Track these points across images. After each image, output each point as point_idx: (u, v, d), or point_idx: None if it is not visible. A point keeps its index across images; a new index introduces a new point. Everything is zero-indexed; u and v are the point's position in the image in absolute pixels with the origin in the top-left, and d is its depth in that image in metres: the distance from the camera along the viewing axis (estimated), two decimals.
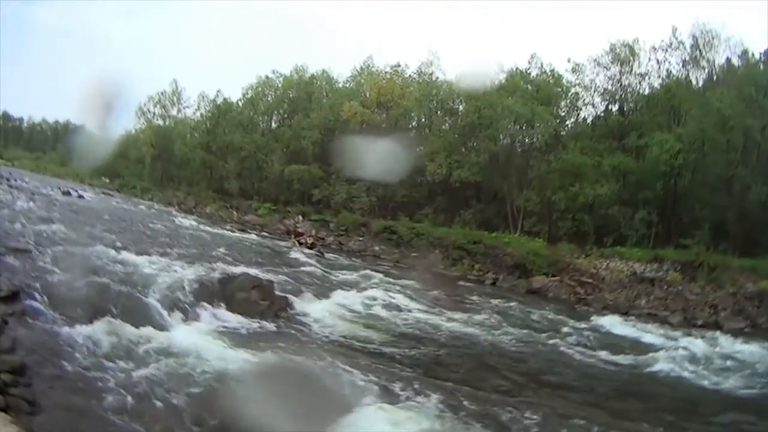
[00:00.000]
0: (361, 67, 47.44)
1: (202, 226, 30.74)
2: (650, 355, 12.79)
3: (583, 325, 16.18)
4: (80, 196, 35.82)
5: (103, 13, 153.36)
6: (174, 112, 62.86)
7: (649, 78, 31.76)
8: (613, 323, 16.94)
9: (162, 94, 62.09)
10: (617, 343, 13.97)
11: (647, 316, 19.96)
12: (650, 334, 15.64)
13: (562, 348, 12.84)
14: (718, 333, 16.58)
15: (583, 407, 8.65)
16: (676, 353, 12.97)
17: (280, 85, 52.26)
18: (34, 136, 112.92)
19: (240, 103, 55.09)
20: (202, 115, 58.59)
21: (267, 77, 52.97)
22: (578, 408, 8.57)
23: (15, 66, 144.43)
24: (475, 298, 19.49)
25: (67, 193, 35.59)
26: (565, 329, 15.07)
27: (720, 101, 24.44)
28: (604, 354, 12.57)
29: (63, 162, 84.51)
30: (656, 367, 11.86)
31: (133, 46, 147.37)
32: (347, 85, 48.66)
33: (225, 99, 56.07)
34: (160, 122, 63.07)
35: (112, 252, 13.02)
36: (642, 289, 22.54)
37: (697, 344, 14.24)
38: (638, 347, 13.69)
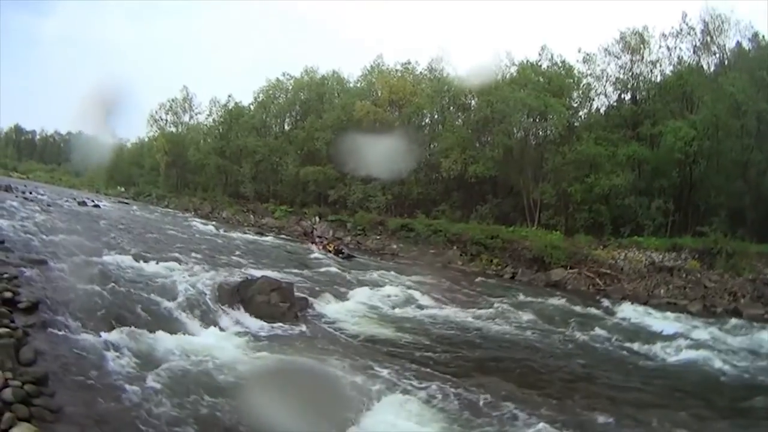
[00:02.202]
0: (372, 66, 47.89)
1: (219, 231, 31.11)
2: (671, 344, 12.74)
3: (603, 317, 16.30)
4: (96, 206, 36.35)
5: (109, 21, 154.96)
6: (186, 118, 63.95)
7: (661, 65, 31.79)
8: (633, 313, 16.99)
9: (173, 101, 63.20)
10: (638, 334, 13.93)
11: (667, 305, 19.95)
12: (670, 323, 15.60)
13: (583, 340, 12.85)
14: (738, 320, 16.56)
15: (605, 399, 8.63)
16: (697, 342, 13.00)
17: (290, 87, 52.94)
18: (47, 148, 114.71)
19: (251, 107, 55.75)
20: (214, 120, 59.52)
21: (277, 80, 53.69)
22: (601, 400, 8.53)
23: (25, 79, 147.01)
24: (494, 293, 19.48)
25: (83, 203, 36.03)
26: (585, 321, 15.00)
27: (732, 86, 24.44)
28: (625, 344, 12.61)
29: (77, 172, 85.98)
30: (677, 356, 11.88)
31: (142, 53, 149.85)
32: (358, 85, 49.19)
33: (236, 103, 56.86)
34: (173, 129, 64.02)
35: (130, 260, 13.15)
36: (661, 278, 22.65)
37: (718, 332, 14.39)
38: (659, 337, 13.61)
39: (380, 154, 29.89)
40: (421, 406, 7.57)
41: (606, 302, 19.61)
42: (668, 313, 17.27)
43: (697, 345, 12.65)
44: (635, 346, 12.50)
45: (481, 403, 7.79)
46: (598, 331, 13.76)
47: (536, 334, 13.12)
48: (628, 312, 17.16)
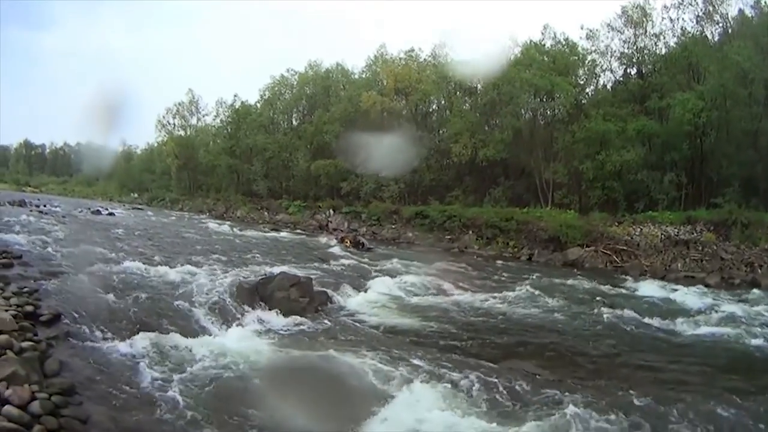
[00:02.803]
0: (375, 56, 48.05)
1: (234, 230, 31.14)
2: (695, 319, 12.67)
3: (624, 294, 16.13)
4: (111, 214, 36.44)
5: (110, 32, 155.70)
6: (194, 121, 64.64)
7: (665, 38, 31.75)
8: (653, 289, 16.81)
9: (180, 104, 63.83)
10: (661, 310, 13.67)
11: (685, 279, 20.00)
12: (692, 298, 15.37)
13: (608, 319, 12.53)
14: (756, 291, 16.56)
15: (638, 378, 8.47)
16: (720, 315, 12.89)
17: (296, 83, 53.18)
18: (57, 160, 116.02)
19: (258, 105, 56.24)
20: (222, 120, 60.12)
21: (282, 76, 54.11)
22: (634, 380, 8.35)
23: (31, 94, 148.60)
24: (513, 275, 19.36)
25: (97, 212, 36.02)
26: (607, 300, 14.75)
27: (738, 54, 24.43)
28: (650, 322, 12.36)
29: (90, 182, 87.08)
30: (703, 331, 11.69)
31: (144, 60, 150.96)
32: (363, 76, 49.26)
33: (243, 102, 57.35)
34: (181, 132, 64.58)
35: (148, 265, 13.17)
36: (677, 252, 22.70)
37: (739, 305, 14.25)
38: (682, 312, 13.43)
39: (389, 147, 30.30)
40: (451, 393, 7.38)
41: (624, 279, 19.57)
42: (687, 288, 17.09)
43: (721, 319, 12.57)
44: (660, 322, 12.30)
45: (515, 388, 7.59)
46: (620, 309, 13.44)
47: (560, 315, 12.89)
48: (648, 288, 17.01)
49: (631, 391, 7.49)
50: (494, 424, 6.54)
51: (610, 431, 6.41)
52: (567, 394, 7.36)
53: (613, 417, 6.65)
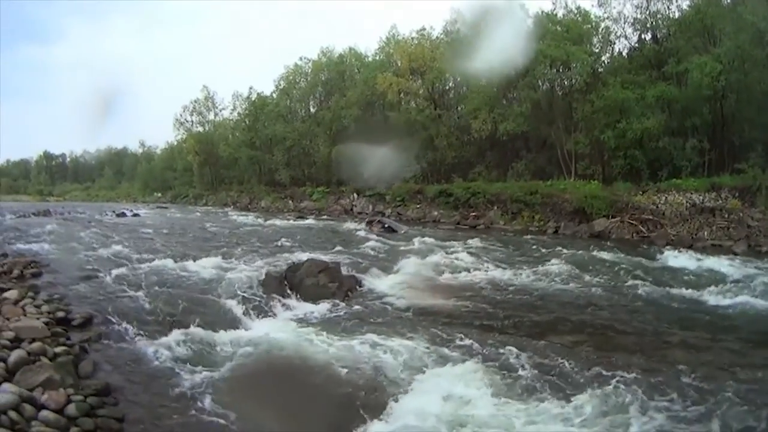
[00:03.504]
0: (387, 38, 48.11)
1: (259, 220, 31.74)
2: (724, 288, 12.53)
3: (652, 265, 16.04)
4: (135, 215, 36.96)
5: (119, 37, 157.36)
6: (211, 116, 65.58)
7: (677, 0, 31.22)
8: (681, 259, 16.76)
9: (196, 101, 64.72)
10: (691, 280, 13.71)
11: (712, 248, 19.95)
12: (720, 267, 15.26)
13: (638, 291, 12.54)
14: None
15: (683, 354, 8.29)
16: (750, 284, 12.77)
17: (310, 70, 53.59)
18: (78, 168, 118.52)
19: (274, 95, 56.78)
20: (239, 114, 60.94)
21: (296, 65, 54.58)
22: (680, 355, 8.20)
23: (47, 107, 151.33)
24: (540, 249, 19.42)
25: (122, 214, 36.42)
26: (635, 271, 14.73)
27: (752, 14, 24.13)
28: (680, 292, 12.37)
29: (112, 186, 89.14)
30: (734, 300, 11.62)
31: (156, 63, 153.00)
32: (377, 58, 49.41)
33: (259, 94, 57.79)
34: (200, 129, 65.58)
35: (176, 262, 13.22)
36: (703, 220, 22.65)
37: (766, 272, 14.19)
38: (712, 282, 13.27)
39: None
40: (492, 372, 7.37)
41: (652, 249, 19.52)
42: (716, 257, 16.99)
43: (755, 288, 12.39)
44: (695, 294, 12.27)
45: (559, 366, 7.57)
46: (653, 281, 13.51)
47: (594, 289, 12.78)
48: (678, 258, 16.94)
49: (680, 367, 7.41)
50: (542, 403, 6.53)
51: (667, 409, 6.30)
52: (613, 371, 7.25)
53: (665, 394, 6.61)
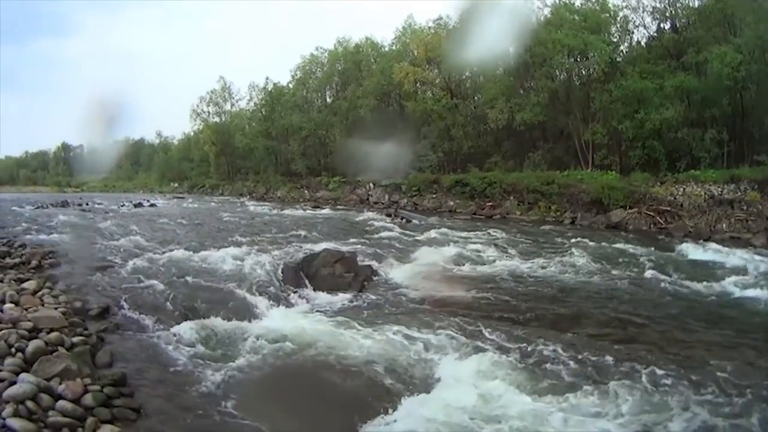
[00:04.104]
0: (404, 27, 48.32)
1: (276, 210, 32.08)
2: (746, 282, 12.50)
3: (671, 257, 16.06)
4: (152, 205, 37.29)
5: (132, 30, 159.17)
6: (227, 107, 66.53)
7: None
8: (699, 251, 16.74)
9: (212, 92, 65.57)
10: (711, 273, 13.55)
11: (730, 240, 19.88)
12: (736, 259, 15.25)
13: (659, 284, 12.47)
14: None
15: (697, 347, 8.25)
16: (765, 277, 12.75)
17: (326, 60, 53.86)
18: (96, 159, 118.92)
19: (291, 86, 57.15)
20: (255, 104, 61.62)
21: (312, 55, 54.87)
22: (693, 349, 8.18)
23: (65, 99, 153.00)
24: (557, 240, 19.54)
25: (139, 205, 36.69)
26: (654, 263, 14.69)
27: None
28: (701, 285, 12.26)
29: (129, 176, 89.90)
30: (750, 293, 11.59)
31: (171, 54, 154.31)
32: (393, 48, 49.50)
33: (275, 84, 58.27)
34: (216, 119, 66.40)
35: (193, 252, 13.31)
36: (722, 212, 22.52)
37: None
38: (732, 274, 13.24)
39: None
40: (520, 367, 7.32)
41: (670, 241, 19.64)
42: (732, 249, 16.88)
43: (764, 281, 12.35)
44: (717, 287, 12.18)
45: (583, 359, 7.51)
46: (673, 273, 13.47)
47: (614, 281, 12.79)
48: (696, 251, 16.93)
49: (712, 362, 7.36)
50: (576, 399, 6.47)
51: (709, 403, 6.27)
52: (645, 365, 7.22)
53: (702, 389, 6.57)
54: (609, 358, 7.52)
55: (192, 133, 75.29)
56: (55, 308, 8.33)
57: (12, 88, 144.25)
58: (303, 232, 19.48)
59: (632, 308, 10.45)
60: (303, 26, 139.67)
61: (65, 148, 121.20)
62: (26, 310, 8.00)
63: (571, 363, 7.44)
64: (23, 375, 5.97)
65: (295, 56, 76.69)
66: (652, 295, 11.61)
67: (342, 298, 11.15)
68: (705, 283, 12.47)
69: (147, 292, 9.92)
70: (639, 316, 9.89)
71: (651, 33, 34.03)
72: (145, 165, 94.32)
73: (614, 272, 13.81)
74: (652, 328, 9.27)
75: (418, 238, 19.23)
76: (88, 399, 5.94)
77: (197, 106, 66.65)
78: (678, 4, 31.35)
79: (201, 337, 8.23)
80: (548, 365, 7.44)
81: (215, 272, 11.59)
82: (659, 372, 7.00)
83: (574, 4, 34.94)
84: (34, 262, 11.67)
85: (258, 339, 8.21)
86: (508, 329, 8.85)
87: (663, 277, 13.08)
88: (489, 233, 20.64)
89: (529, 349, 7.93)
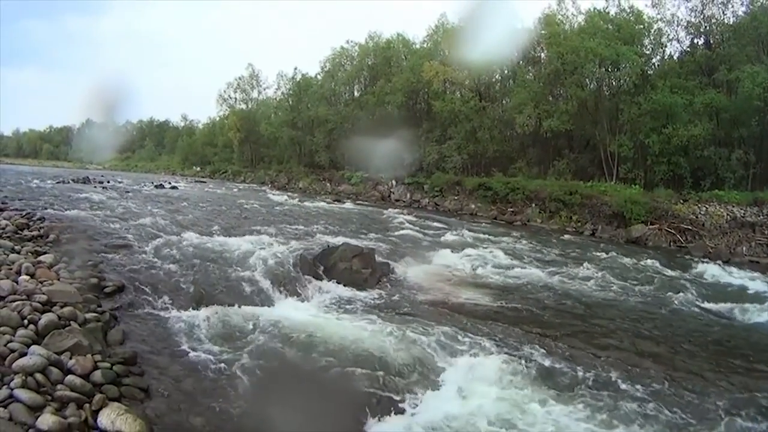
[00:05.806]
0: (436, 26, 48.61)
1: (296, 201, 32.44)
2: (755, 305, 12.49)
3: (690, 277, 16.14)
4: (173, 187, 37.79)
5: (161, 13, 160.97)
6: (255, 94, 67.67)
7: (733, 6, 30.78)
8: (718, 273, 16.80)
9: (240, 79, 66.55)
10: (730, 295, 13.58)
11: (749, 264, 19.85)
12: (754, 283, 15.38)
13: (671, 302, 12.61)
14: None
15: (690, 362, 8.48)
16: None
17: (356, 54, 54.29)
18: (120, 137, 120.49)
19: (319, 77, 57.66)
20: (282, 93, 62.33)
21: (342, 48, 55.36)
22: (686, 363, 8.40)
23: (94, 78, 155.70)
24: (576, 251, 19.66)
25: (160, 186, 37.18)
26: (673, 281, 14.89)
27: None
28: (709, 306, 12.43)
29: (152, 157, 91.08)
30: (763, 318, 11.65)
31: (200, 39, 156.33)
32: (424, 46, 49.80)
33: (303, 75, 58.99)
34: (243, 106, 67.35)
35: (211, 237, 13.60)
36: (743, 235, 22.76)
37: None
38: (743, 297, 13.35)
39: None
40: (534, 375, 7.51)
41: (689, 260, 19.67)
42: (751, 273, 17.05)
43: None
44: (735, 310, 12.24)
45: (598, 375, 7.62)
46: (692, 294, 13.57)
47: (632, 298, 12.94)
48: (715, 272, 17.00)
49: (721, 384, 7.57)
50: (591, 411, 6.65)
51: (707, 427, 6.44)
52: (655, 385, 7.38)
53: (717, 411, 6.74)
54: (618, 373, 7.73)
55: (217, 119, 76.65)
56: (70, 283, 8.52)
57: (40, 63, 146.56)
58: (322, 225, 19.75)
59: (647, 327, 10.57)
60: (334, 18, 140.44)
61: (90, 124, 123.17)
62: (41, 283, 8.23)
63: (587, 376, 7.61)
64: (34, 347, 6.15)
65: (325, 48, 77.52)
66: (669, 316, 11.73)
67: (358, 294, 11.30)
68: (722, 304, 12.64)
69: (163, 274, 10.12)
70: (654, 336, 10.01)
71: (684, 47, 33.95)
72: (169, 147, 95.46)
73: (634, 288, 13.93)
74: (667, 348, 9.34)
75: (438, 239, 19.42)
76: (97, 375, 6.12)
77: (224, 91, 67.96)
78: (713, 20, 31.19)
79: (213, 322, 8.38)
80: (559, 374, 7.65)
81: (232, 259, 11.75)
82: (667, 392, 7.27)
83: (608, 13, 34.87)
84: (52, 236, 11.93)
85: (270, 329, 8.40)
86: (521, 337, 9.10)
87: (680, 296, 13.21)
88: (509, 239, 20.84)
89: (541, 357, 8.14)
